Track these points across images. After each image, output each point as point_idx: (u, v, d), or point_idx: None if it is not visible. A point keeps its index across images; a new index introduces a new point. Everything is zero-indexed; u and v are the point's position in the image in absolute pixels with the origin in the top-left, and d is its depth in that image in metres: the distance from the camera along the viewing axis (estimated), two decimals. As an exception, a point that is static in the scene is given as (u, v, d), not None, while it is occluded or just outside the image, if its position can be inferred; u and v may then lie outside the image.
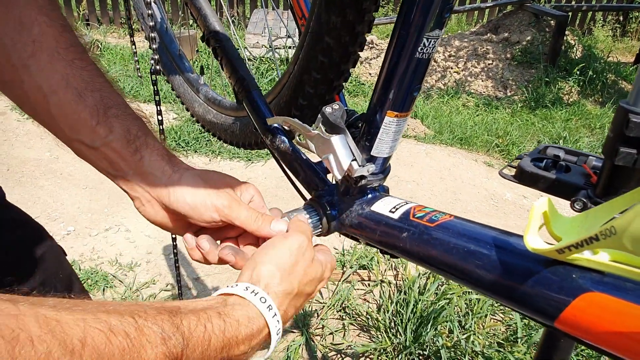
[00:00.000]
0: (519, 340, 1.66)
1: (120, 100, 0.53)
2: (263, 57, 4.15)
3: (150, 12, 0.77)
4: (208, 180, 0.54)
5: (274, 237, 0.50)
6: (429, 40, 0.44)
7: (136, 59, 1.07)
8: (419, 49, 0.44)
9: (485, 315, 1.77)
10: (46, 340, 0.25)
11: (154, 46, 0.75)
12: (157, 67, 0.75)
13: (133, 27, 1.04)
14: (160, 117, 0.79)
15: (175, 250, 1.21)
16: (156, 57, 0.75)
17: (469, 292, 1.81)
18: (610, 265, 0.30)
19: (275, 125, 0.67)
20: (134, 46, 1.02)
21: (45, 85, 0.48)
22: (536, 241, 0.33)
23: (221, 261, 0.54)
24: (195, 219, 0.53)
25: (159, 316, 0.33)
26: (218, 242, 0.56)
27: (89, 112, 0.50)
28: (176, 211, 0.53)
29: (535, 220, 0.32)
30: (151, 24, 0.76)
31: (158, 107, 0.76)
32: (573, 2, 5.95)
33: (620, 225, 0.26)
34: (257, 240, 0.55)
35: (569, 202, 0.58)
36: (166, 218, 0.55)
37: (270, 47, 4.17)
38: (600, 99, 4.41)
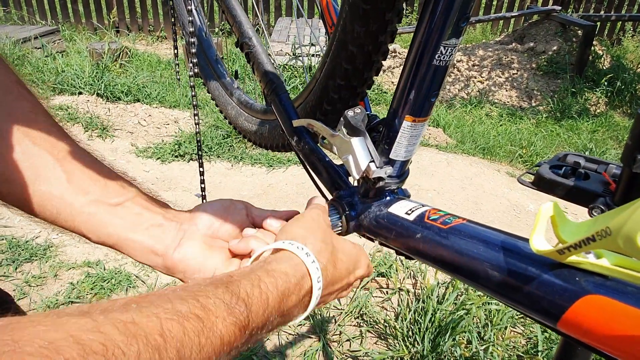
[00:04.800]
0: (540, 353, 1.63)
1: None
2: (286, 64, 4.21)
3: (190, 18, 0.80)
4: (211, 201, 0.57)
5: (296, 215, 0.53)
6: (447, 48, 0.46)
7: (177, 62, 1.11)
8: (437, 56, 0.46)
9: (505, 327, 1.75)
10: (132, 343, 0.27)
11: (193, 51, 0.79)
12: (196, 71, 0.79)
13: (176, 32, 1.09)
14: (197, 119, 0.83)
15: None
16: (195, 60, 0.78)
17: (488, 303, 1.79)
18: (613, 269, 0.31)
19: (301, 127, 0.70)
20: (175, 50, 1.06)
21: (48, 156, 0.47)
22: (541, 243, 0.34)
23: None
24: (228, 222, 0.55)
25: (217, 290, 0.34)
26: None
27: (105, 175, 0.50)
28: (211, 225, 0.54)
29: (541, 223, 0.33)
30: (191, 29, 0.79)
31: (195, 109, 0.80)
32: (602, 12, 5.84)
33: (615, 226, 0.26)
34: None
35: (587, 209, 0.59)
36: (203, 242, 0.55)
37: (294, 54, 4.22)
38: (629, 111, 4.31)
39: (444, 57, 0.46)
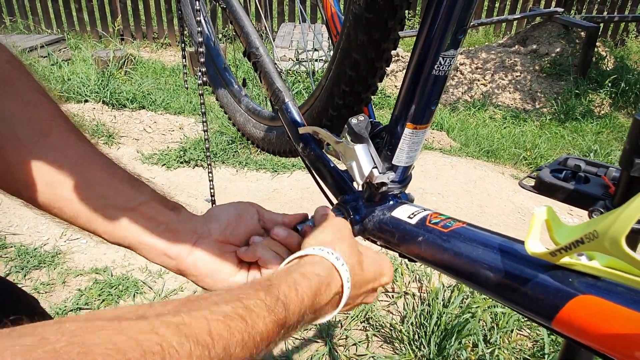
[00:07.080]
0: (546, 356, 1.63)
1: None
2: (290, 69, 4.24)
3: (199, 29, 0.83)
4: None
5: (321, 223, 0.54)
6: (445, 59, 0.47)
7: (185, 71, 1.15)
8: (436, 67, 0.48)
9: (511, 330, 1.75)
10: (184, 343, 0.30)
11: (202, 60, 0.81)
12: (205, 79, 0.81)
13: (185, 40, 1.13)
14: (206, 126, 0.85)
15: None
16: (203, 69, 0.80)
17: (494, 306, 1.80)
18: (604, 271, 0.32)
19: (307, 134, 0.72)
20: (184, 60, 1.10)
21: (66, 160, 0.49)
22: (536, 246, 0.35)
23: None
24: (240, 228, 0.57)
25: (259, 293, 0.38)
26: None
27: (120, 179, 0.52)
28: (222, 237, 0.56)
29: (535, 227, 0.35)
30: (200, 39, 0.81)
31: (204, 117, 0.82)
32: (605, 13, 5.84)
33: (601, 229, 0.28)
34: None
35: (587, 212, 0.60)
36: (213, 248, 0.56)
37: (297, 60, 4.25)
38: (633, 111, 4.30)
39: (442, 68, 0.48)
